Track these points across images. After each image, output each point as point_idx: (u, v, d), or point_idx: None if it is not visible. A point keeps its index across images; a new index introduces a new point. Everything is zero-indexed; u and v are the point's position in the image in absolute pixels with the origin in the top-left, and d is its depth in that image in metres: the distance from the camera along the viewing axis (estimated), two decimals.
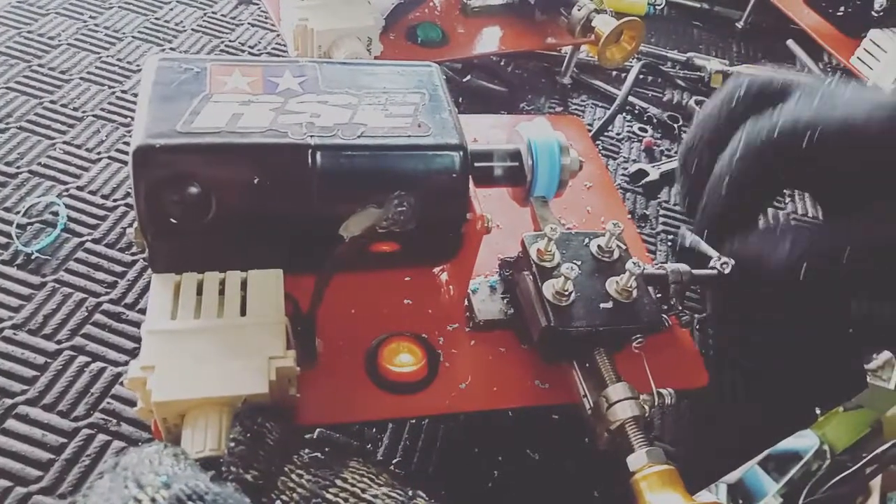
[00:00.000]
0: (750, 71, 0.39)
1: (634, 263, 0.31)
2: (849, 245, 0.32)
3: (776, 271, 0.33)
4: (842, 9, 0.62)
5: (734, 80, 0.39)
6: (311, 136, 0.29)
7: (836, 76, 0.40)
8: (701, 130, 0.38)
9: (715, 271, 0.37)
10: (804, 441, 0.36)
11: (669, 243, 0.49)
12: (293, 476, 0.23)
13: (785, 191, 0.53)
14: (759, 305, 0.37)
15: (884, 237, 0.33)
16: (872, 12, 0.60)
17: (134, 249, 0.41)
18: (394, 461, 0.34)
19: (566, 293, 0.30)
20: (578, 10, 0.54)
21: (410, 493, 0.24)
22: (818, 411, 0.39)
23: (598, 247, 0.33)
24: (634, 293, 0.31)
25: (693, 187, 0.38)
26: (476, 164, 0.33)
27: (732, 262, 0.36)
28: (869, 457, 0.35)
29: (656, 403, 0.29)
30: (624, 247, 0.33)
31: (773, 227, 0.37)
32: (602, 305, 0.31)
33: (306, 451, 0.24)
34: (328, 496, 0.23)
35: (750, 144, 0.35)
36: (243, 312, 0.29)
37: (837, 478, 0.34)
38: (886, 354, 0.43)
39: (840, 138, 0.33)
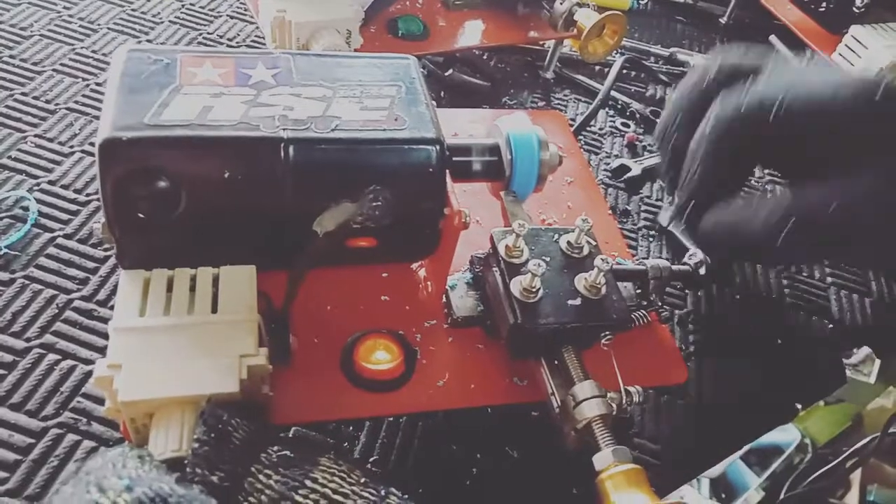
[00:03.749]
0: (721, 54, 0.40)
1: (603, 260, 0.31)
2: (829, 205, 0.33)
3: (755, 236, 0.34)
4: (824, 4, 0.62)
5: (707, 60, 0.40)
6: (284, 130, 0.28)
7: (807, 57, 0.43)
8: (675, 110, 0.39)
9: (689, 267, 0.38)
10: (786, 435, 0.36)
11: (651, 237, 0.49)
12: (261, 477, 0.23)
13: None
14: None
15: (860, 196, 0.34)
16: (854, 8, 0.60)
17: (105, 245, 0.40)
18: (371, 459, 0.34)
19: (534, 290, 0.30)
20: (561, 3, 0.54)
21: (383, 491, 0.24)
22: (798, 406, 0.39)
23: (568, 243, 0.33)
24: (603, 290, 0.31)
25: (672, 166, 0.39)
26: (454, 159, 0.33)
27: (707, 260, 0.36)
28: (849, 450, 0.35)
29: (624, 401, 0.29)
30: (594, 243, 0.33)
31: (749, 198, 0.38)
32: (570, 302, 0.31)
33: (275, 448, 0.24)
34: (298, 498, 0.22)
35: (720, 118, 0.35)
36: (214, 309, 0.28)
37: (819, 472, 0.34)
38: (866, 349, 0.43)
39: (806, 112, 0.34)
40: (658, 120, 0.41)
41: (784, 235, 0.33)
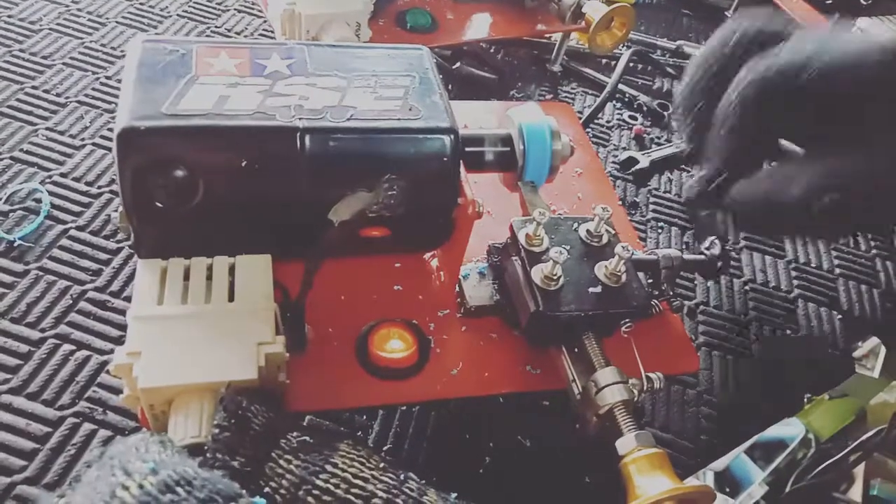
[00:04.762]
0: (745, 17, 0.39)
1: (623, 247, 0.31)
2: (873, 173, 0.32)
3: (790, 208, 0.33)
4: None
5: (731, 23, 0.38)
6: (300, 119, 0.28)
7: (833, 22, 0.42)
8: (700, 73, 0.38)
9: (703, 256, 0.38)
10: (790, 429, 0.36)
11: (660, 228, 0.49)
12: (281, 462, 0.23)
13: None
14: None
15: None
16: (861, 1, 0.60)
17: (119, 237, 0.40)
18: (384, 448, 0.34)
19: (555, 278, 0.30)
20: None
21: (402, 476, 0.24)
22: (807, 398, 0.40)
23: (587, 231, 0.33)
24: (623, 277, 0.31)
25: (696, 131, 0.38)
26: (467, 149, 0.33)
27: (718, 244, 0.36)
28: (853, 444, 0.35)
29: (645, 388, 0.29)
30: (613, 231, 0.33)
31: (779, 168, 0.36)
32: (591, 290, 0.31)
33: (295, 434, 0.24)
34: (318, 482, 0.22)
35: (752, 81, 0.34)
36: (231, 298, 0.28)
37: (822, 466, 0.34)
38: (872, 342, 0.43)
39: (841, 72, 0.33)
40: (678, 87, 0.40)
41: (822, 205, 0.32)
